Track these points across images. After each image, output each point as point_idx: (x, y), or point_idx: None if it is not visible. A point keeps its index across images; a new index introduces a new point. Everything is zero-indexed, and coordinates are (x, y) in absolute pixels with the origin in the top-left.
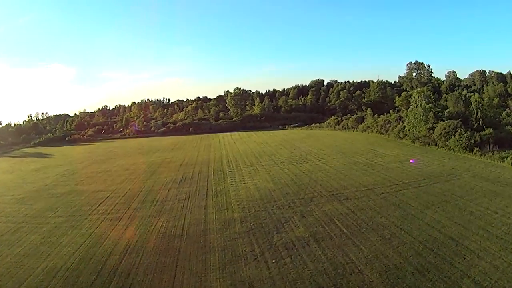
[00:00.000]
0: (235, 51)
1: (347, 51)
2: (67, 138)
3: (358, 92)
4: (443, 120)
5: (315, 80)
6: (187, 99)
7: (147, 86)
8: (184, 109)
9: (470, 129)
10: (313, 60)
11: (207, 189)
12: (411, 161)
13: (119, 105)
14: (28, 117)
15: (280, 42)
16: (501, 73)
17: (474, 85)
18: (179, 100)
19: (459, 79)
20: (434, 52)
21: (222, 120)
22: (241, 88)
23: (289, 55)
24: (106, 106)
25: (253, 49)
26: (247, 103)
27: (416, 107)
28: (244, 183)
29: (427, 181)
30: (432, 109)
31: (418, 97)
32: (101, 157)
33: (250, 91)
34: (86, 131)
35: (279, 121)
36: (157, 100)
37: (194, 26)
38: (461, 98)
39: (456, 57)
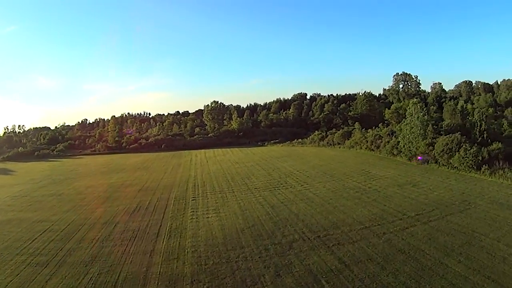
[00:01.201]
0: (220, 65)
1: (330, 64)
2: (36, 153)
3: (343, 105)
4: (442, 134)
5: (298, 93)
6: (168, 113)
7: (130, 100)
8: (158, 124)
9: (475, 144)
10: (297, 73)
11: (160, 226)
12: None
13: (99, 119)
14: (4, 129)
15: (265, 56)
16: (487, 83)
17: (461, 96)
18: (159, 115)
19: (445, 90)
20: (418, 64)
21: (197, 136)
22: (219, 102)
23: (273, 68)
24: (86, 119)
25: (238, 63)
26: (224, 118)
27: (412, 120)
28: (207, 217)
29: (437, 212)
30: (430, 122)
31: (415, 108)
32: (60, 177)
33: (231, 105)
34: (57, 145)
35: (258, 137)
36: (138, 114)
37: (179, 40)
38: (458, 109)
39: (440, 69)
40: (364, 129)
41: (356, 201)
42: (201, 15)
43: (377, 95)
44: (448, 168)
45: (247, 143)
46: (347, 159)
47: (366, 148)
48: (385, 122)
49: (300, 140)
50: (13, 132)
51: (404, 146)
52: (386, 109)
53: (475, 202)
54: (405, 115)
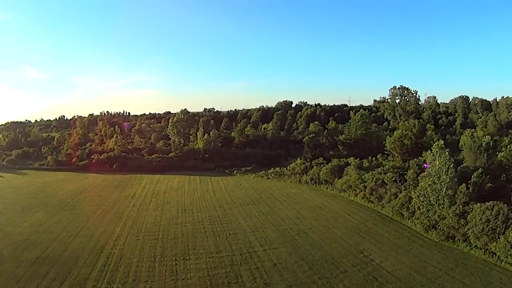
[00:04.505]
0: (208, 65)
1: (320, 71)
2: None
3: (332, 123)
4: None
5: (283, 101)
6: (150, 113)
7: (116, 96)
8: (116, 137)
9: None
10: (284, 79)
11: None
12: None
13: (77, 116)
14: None
15: (254, 58)
16: (486, 100)
17: (456, 111)
18: (135, 116)
19: (439, 104)
20: (411, 74)
21: (155, 155)
22: (187, 111)
23: (261, 72)
24: (64, 116)
25: (226, 64)
26: (191, 133)
27: (436, 172)
28: None
29: None
30: (457, 184)
31: (441, 157)
32: None
33: (206, 109)
34: (12, 152)
35: (227, 161)
36: (117, 113)
37: (168, 38)
38: (483, 146)
39: (433, 79)
40: (359, 159)
41: None
42: (192, 13)
43: (367, 105)
44: (486, 255)
45: (213, 169)
46: (337, 218)
47: (363, 198)
48: (386, 152)
49: (278, 169)
50: None
51: (419, 209)
52: (388, 136)
53: None
54: (424, 161)
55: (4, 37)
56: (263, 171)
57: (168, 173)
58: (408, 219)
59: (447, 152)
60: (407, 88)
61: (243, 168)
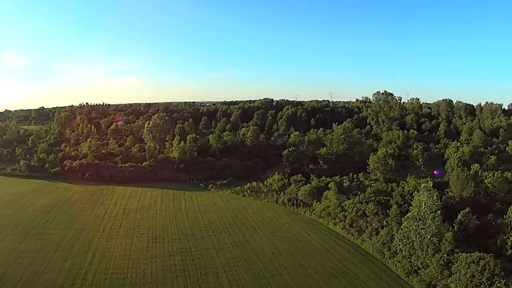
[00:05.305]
0: (192, 54)
1: (303, 63)
2: None
3: (314, 134)
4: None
5: (264, 99)
6: (130, 104)
7: (99, 84)
8: (89, 139)
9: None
10: (266, 70)
11: None
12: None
13: (55, 107)
14: None
15: (237, 48)
16: (470, 104)
17: (439, 115)
18: (117, 107)
19: (422, 106)
20: (392, 71)
21: (129, 164)
22: (164, 117)
23: (244, 61)
24: (43, 107)
25: (209, 53)
26: (166, 139)
27: (422, 216)
28: None
29: None
30: (446, 227)
31: (429, 200)
32: None
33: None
34: None
35: (203, 172)
36: (97, 104)
37: (154, 25)
38: (470, 175)
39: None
40: (339, 177)
41: None
42: (179, 2)
43: (347, 100)
44: None
45: (188, 181)
46: (315, 254)
47: (343, 228)
48: (368, 171)
49: (255, 184)
50: None
51: (402, 251)
52: (371, 154)
53: None
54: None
55: None
56: (239, 187)
57: (141, 184)
58: (389, 259)
59: (435, 196)
60: (391, 93)
61: (218, 182)
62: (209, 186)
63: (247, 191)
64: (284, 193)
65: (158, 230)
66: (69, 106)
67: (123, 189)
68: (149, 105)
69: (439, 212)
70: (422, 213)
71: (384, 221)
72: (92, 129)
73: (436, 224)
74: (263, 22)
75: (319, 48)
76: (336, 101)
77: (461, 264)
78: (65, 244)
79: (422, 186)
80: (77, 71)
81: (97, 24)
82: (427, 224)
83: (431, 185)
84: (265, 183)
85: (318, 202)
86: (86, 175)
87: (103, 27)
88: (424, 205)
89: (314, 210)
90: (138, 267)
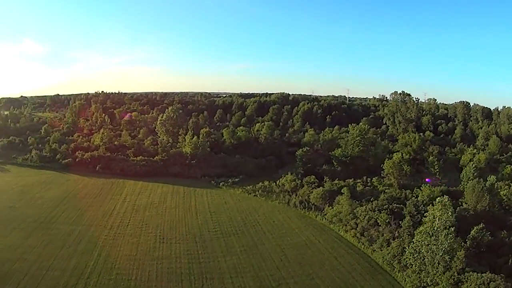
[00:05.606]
0: (210, 43)
1: (321, 56)
2: None
3: (329, 133)
4: (467, 243)
5: (280, 93)
6: (146, 93)
7: (116, 72)
8: (102, 131)
9: None
10: (284, 64)
11: None
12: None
13: (71, 95)
14: None
15: (255, 40)
16: (487, 108)
17: (456, 117)
18: (132, 95)
19: (438, 107)
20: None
21: (141, 157)
22: (178, 110)
23: (261, 53)
24: (58, 94)
25: (229, 44)
26: (180, 133)
27: (434, 234)
28: None
29: None
30: (458, 243)
31: (442, 216)
32: None
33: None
34: None
35: (215, 169)
36: (112, 93)
37: (171, 13)
38: (485, 187)
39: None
40: (353, 180)
41: None
42: None
43: (361, 98)
44: None
45: (199, 178)
46: (323, 263)
47: (354, 236)
48: (382, 176)
49: (267, 183)
50: None
51: (412, 266)
52: (386, 159)
53: None
54: (422, 216)
55: (4, 7)
56: (251, 186)
57: (152, 179)
58: (399, 272)
59: (450, 212)
60: (409, 94)
61: (230, 180)
62: (221, 184)
63: (258, 191)
64: (296, 195)
65: (166, 229)
66: (84, 93)
67: (133, 183)
68: (165, 94)
69: (452, 229)
70: (435, 229)
71: (396, 232)
72: (106, 120)
73: (449, 241)
74: (282, 13)
75: (337, 40)
76: (353, 98)
77: (471, 285)
78: (71, 241)
79: (437, 200)
80: (94, 59)
81: (115, 12)
82: (440, 241)
83: (446, 199)
84: (277, 182)
85: (330, 207)
86: (97, 167)
87: (121, 15)
88: (438, 220)
89: (326, 215)
90: (143, 268)
